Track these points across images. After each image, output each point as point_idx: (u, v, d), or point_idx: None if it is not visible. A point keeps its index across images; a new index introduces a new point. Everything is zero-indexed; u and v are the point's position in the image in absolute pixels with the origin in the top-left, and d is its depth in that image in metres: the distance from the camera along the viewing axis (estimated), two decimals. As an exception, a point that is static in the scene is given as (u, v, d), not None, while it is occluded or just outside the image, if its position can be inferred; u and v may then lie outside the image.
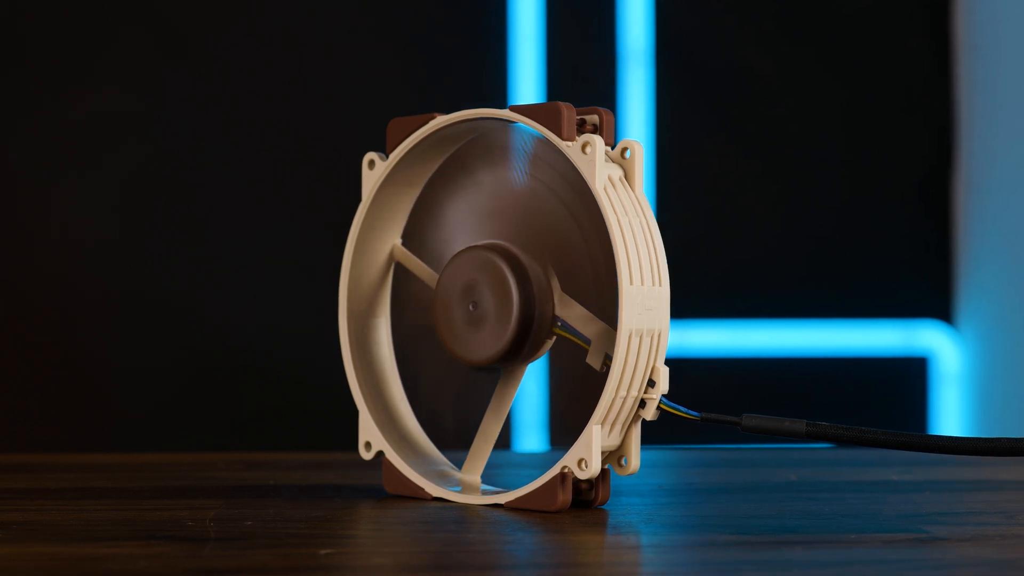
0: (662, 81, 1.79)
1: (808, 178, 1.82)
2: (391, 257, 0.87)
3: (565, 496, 0.78)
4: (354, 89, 1.60)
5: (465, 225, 0.84)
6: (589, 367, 0.79)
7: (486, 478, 0.83)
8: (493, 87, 1.74)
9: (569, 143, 0.78)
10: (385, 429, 0.85)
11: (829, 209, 1.83)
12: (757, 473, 0.99)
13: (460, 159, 0.86)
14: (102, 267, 1.57)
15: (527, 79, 1.77)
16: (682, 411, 0.79)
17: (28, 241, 1.56)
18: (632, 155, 0.80)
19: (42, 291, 1.55)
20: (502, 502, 0.80)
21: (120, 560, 0.64)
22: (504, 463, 0.99)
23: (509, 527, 0.74)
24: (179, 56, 1.59)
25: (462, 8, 1.75)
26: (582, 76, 1.75)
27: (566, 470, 0.78)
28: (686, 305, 1.80)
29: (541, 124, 0.79)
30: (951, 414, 1.84)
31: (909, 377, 1.85)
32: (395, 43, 1.63)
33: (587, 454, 0.77)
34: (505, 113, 0.81)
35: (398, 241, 0.87)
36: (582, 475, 0.78)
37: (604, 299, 0.78)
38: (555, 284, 0.81)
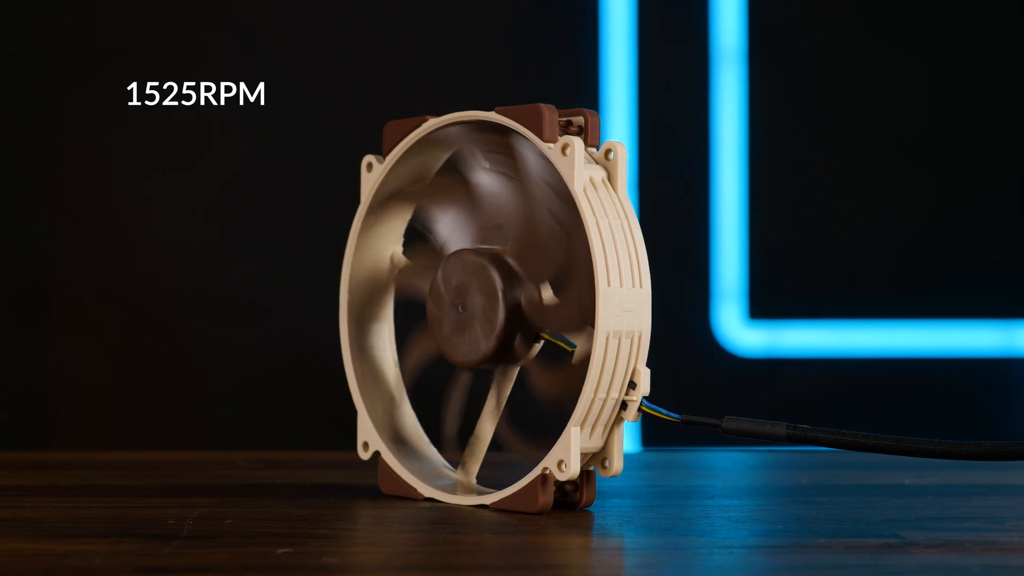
0: (755, 80, 1.77)
1: (902, 175, 1.78)
2: (391, 264, 0.88)
3: (546, 497, 0.78)
4: (358, 90, 1.60)
5: (461, 227, 0.85)
6: None
7: (488, 478, 0.84)
8: (586, 88, 1.73)
9: (550, 144, 0.78)
10: (383, 429, 0.86)
11: (923, 204, 1.79)
12: (772, 476, 0.97)
13: (457, 160, 0.86)
14: (108, 265, 1.58)
15: (618, 80, 1.76)
16: (663, 413, 0.78)
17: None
18: (615, 156, 0.79)
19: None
20: (488, 503, 0.80)
21: (78, 557, 0.66)
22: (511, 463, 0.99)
23: (484, 528, 0.74)
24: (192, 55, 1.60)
25: (553, 5, 1.75)
26: (669, 72, 1.74)
27: (546, 471, 0.78)
28: (776, 305, 1.78)
29: (523, 125, 0.79)
30: (1052, 417, 1.79)
31: (1008, 379, 1.80)
32: (408, 43, 1.63)
33: (566, 455, 0.77)
34: (490, 115, 0.81)
35: (398, 248, 0.88)
36: (562, 476, 0.77)
37: (588, 302, 0.78)
38: (544, 286, 0.81)
